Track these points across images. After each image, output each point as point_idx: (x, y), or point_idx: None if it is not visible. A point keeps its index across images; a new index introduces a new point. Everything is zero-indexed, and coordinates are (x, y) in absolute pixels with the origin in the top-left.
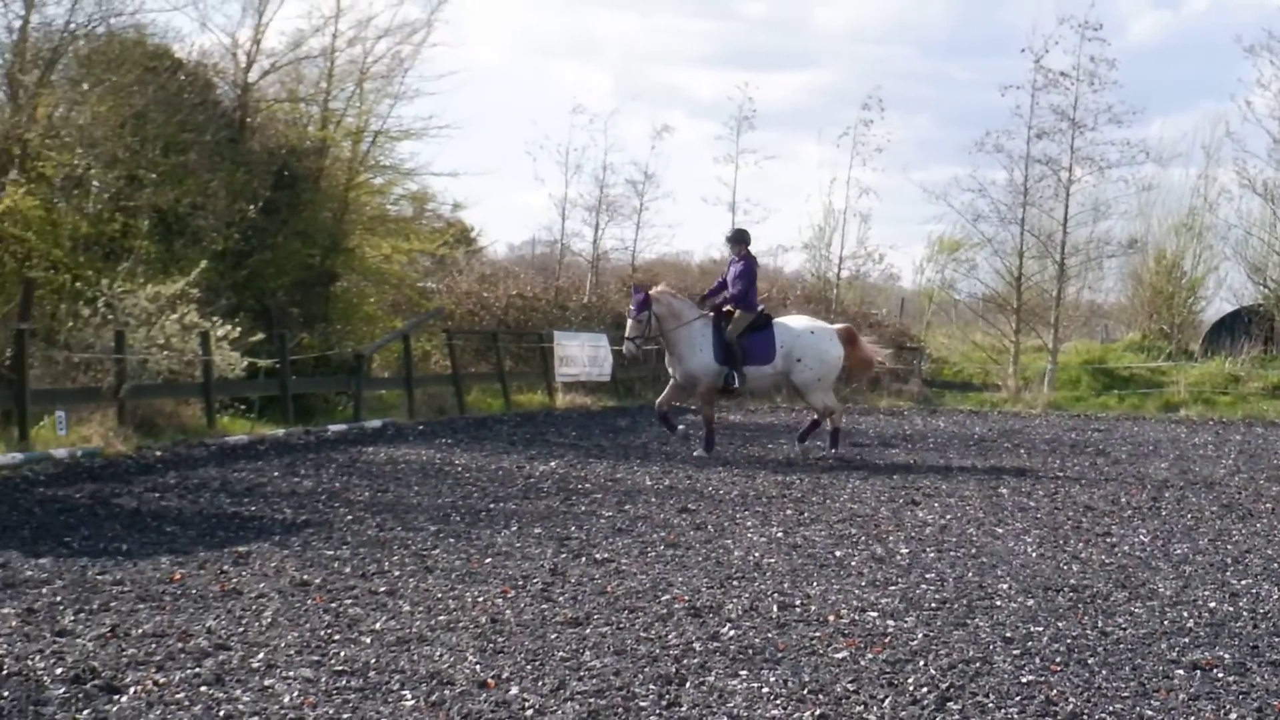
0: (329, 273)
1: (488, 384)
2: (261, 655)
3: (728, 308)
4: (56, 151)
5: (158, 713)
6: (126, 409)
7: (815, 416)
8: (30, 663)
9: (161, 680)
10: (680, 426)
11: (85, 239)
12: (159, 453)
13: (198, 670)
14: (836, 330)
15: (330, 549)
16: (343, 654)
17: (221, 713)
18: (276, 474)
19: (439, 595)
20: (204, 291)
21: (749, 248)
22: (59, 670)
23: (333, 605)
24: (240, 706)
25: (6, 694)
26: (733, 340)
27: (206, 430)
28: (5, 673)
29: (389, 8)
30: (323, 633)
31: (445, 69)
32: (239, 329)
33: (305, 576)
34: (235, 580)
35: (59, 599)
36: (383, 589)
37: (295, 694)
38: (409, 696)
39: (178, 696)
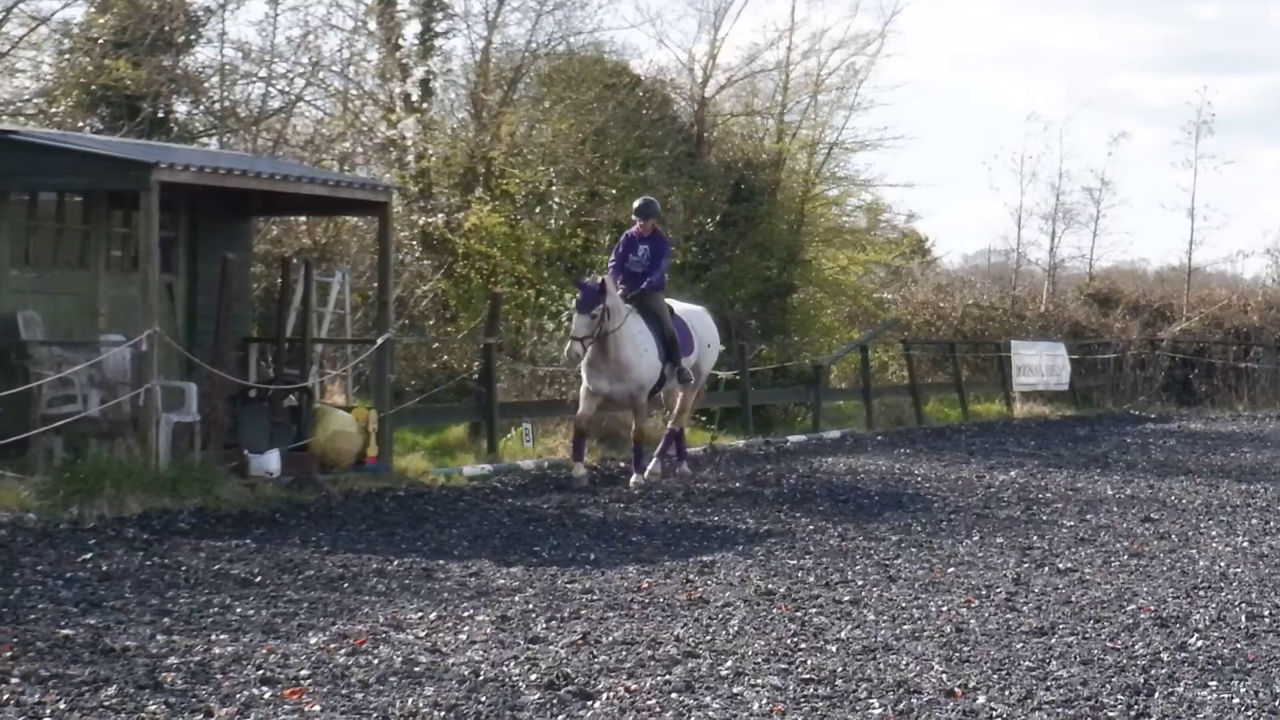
0: (786, 284)
1: (945, 394)
2: (729, 663)
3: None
4: (519, 169)
5: (630, 719)
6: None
7: (680, 413)
8: (505, 669)
9: (633, 687)
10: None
11: (548, 254)
12: (622, 464)
13: (668, 677)
14: None
15: (793, 558)
16: (809, 662)
17: (692, 719)
18: (737, 484)
19: (903, 604)
20: None
21: (657, 221)
22: (533, 676)
23: (798, 614)
24: (710, 714)
25: (484, 699)
26: (674, 333)
27: None
28: (482, 679)
29: (842, 20)
30: (789, 641)
31: (899, 79)
32: None
33: (770, 585)
34: (701, 589)
35: (531, 607)
36: (847, 598)
37: (764, 701)
38: (876, 705)
39: (649, 703)
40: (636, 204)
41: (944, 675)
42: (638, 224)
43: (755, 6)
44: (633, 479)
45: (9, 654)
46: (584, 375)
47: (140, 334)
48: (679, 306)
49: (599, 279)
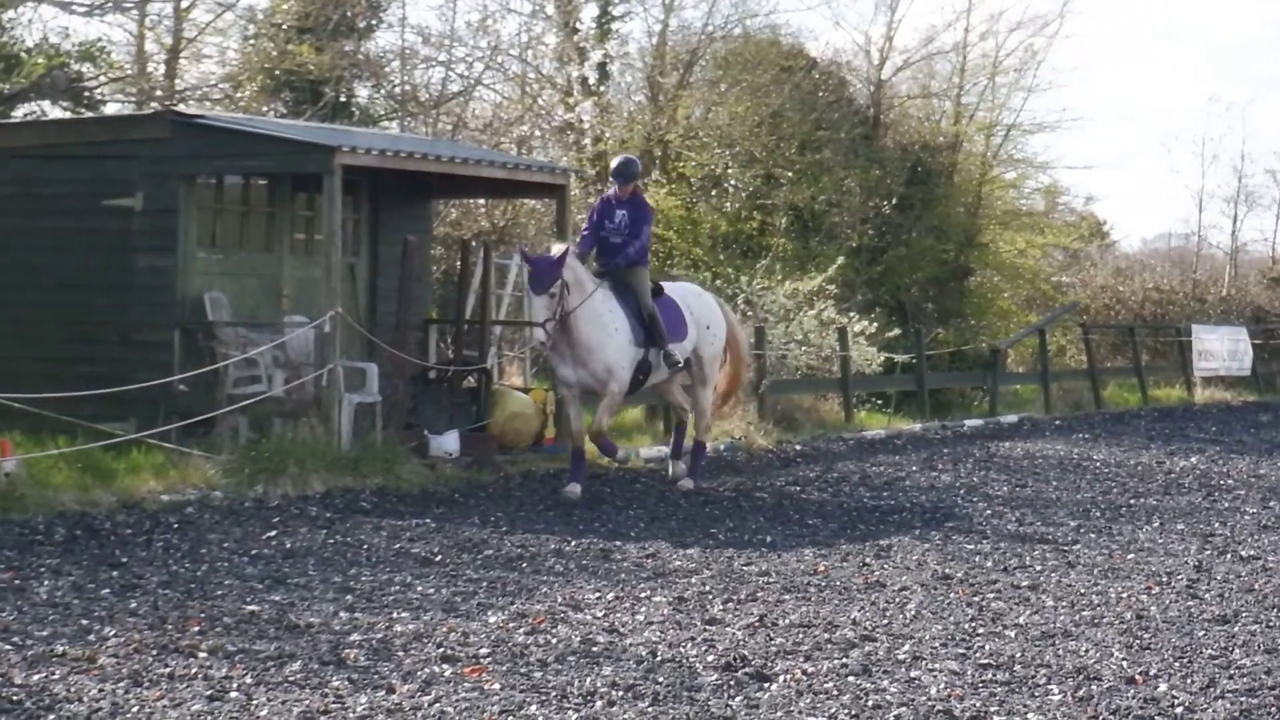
0: (963, 268)
1: (1124, 378)
2: (907, 647)
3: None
4: (695, 152)
5: (807, 701)
6: (767, 404)
7: (699, 419)
8: (683, 650)
9: (810, 670)
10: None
11: (724, 237)
12: (798, 446)
13: (844, 660)
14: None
15: (970, 543)
16: (987, 647)
17: (870, 703)
18: (914, 468)
19: (1082, 590)
20: (840, 287)
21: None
22: (710, 658)
23: (975, 599)
24: (888, 697)
25: (661, 680)
26: (653, 311)
27: (844, 425)
28: (659, 659)
29: (1019, 1)
30: (966, 626)
31: (1077, 60)
32: (875, 324)
33: (947, 570)
34: (878, 572)
35: (708, 588)
36: (1025, 583)
37: (941, 686)
38: (1055, 691)
39: (826, 686)
40: (614, 163)
41: (1124, 662)
42: (615, 187)
43: None
44: (568, 487)
45: (197, 629)
46: (554, 367)
47: (323, 315)
48: (670, 286)
49: (555, 250)
